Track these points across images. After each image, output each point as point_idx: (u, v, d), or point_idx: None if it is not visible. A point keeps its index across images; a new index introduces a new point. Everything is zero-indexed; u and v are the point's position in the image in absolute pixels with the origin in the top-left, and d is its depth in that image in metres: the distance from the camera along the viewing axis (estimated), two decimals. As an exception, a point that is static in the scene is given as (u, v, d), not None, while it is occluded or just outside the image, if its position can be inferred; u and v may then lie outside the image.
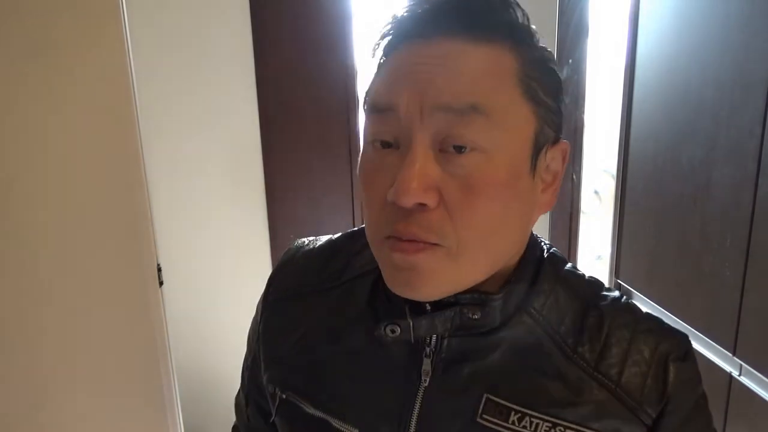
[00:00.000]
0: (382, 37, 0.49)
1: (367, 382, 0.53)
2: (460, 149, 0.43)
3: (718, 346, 1.20)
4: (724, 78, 1.14)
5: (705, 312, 1.24)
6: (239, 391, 0.72)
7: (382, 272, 0.49)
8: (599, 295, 0.54)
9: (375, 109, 0.47)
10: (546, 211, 0.51)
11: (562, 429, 0.48)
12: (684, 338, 0.52)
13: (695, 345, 1.28)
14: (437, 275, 0.45)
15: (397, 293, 0.47)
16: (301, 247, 0.65)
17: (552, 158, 0.50)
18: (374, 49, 0.50)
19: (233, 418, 0.79)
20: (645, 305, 1.50)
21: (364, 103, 0.50)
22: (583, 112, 2.30)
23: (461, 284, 0.47)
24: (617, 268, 1.62)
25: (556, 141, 0.50)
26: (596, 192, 2.33)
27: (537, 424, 0.48)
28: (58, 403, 1.29)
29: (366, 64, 0.52)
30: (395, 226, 0.45)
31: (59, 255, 1.23)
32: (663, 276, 1.40)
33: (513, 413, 0.48)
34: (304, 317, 0.59)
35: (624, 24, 1.53)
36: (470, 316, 0.49)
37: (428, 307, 0.49)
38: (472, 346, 0.50)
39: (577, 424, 0.48)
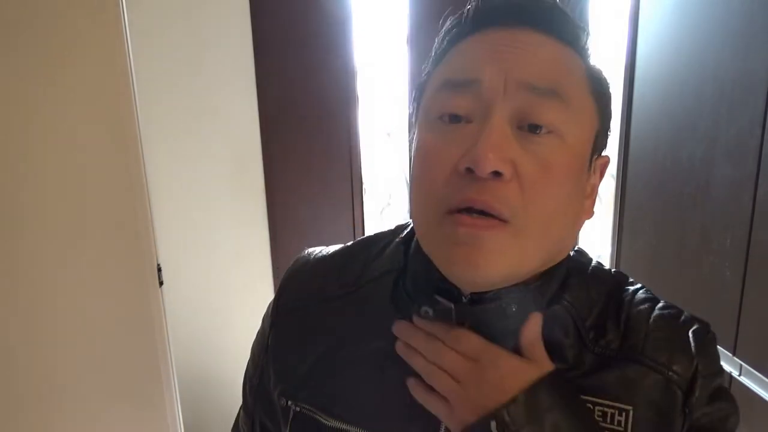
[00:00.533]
0: (456, 25, 0.49)
1: (390, 385, 0.51)
2: (536, 129, 0.44)
3: (718, 346, 1.20)
4: (724, 77, 1.14)
5: (705, 312, 1.24)
6: (239, 415, 0.68)
7: (433, 255, 0.47)
8: (623, 288, 0.54)
9: (452, 84, 0.46)
10: (588, 219, 0.52)
11: (591, 406, 0.47)
12: (707, 323, 0.53)
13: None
14: (502, 255, 0.44)
15: (452, 273, 0.45)
16: (312, 254, 0.62)
17: (595, 169, 0.50)
18: (442, 40, 0.50)
19: (233, 418, 0.79)
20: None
21: (420, 89, 0.51)
22: (583, 112, 2.30)
23: (521, 270, 0.46)
24: (617, 268, 1.62)
25: (601, 154, 0.51)
26: (596, 192, 2.33)
27: None
28: (58, 403, 1.29)
29: (433, 46, 0.52)
30: (467, 195, 0.43)
31: (59, 255, 1.23)
32: (663, 276, 1.40)
33: None
34: (319, 325, 0.57)
35: (624, 24, 1.53)
36: (508, 309, 0.48)
37: (464, 299, 0.48)
38: (507, 333, 0.48)
39: (608, 399, 0.47)
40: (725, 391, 0.51)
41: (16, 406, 1.26)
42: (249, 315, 0.73)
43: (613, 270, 0.56)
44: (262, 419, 0.61)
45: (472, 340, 0.47)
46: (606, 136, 0.50)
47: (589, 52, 0.49)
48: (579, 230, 0.51)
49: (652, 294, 0.54)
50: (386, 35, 2.30)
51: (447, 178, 0.44)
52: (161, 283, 1.33)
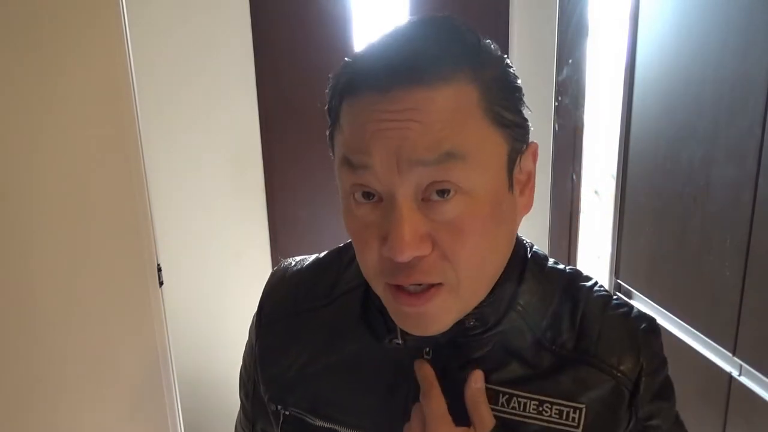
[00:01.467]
0: (340, 90, 0.49)
1: (369, 389, 0.56)
2: (443, 194, 0.45)
3: (718, 346, 1.20)
4: (724, 78, 1.14)
5: (705, 312, 1.24)
6: (239, 417, 0.72)
7: (390, 313, 0.51)
8: (577, 285, 0.57)
9: (351, 164, 0.47)
10: (526, 213, 0.54)
11: (549, 405, 0.51)
12: (653, 319, 0.56)
13: (695, 345, 1.29)
14: (445, 314, 0.48)
15: (405, 331, 0.51)
16: (288, 267, 0.66)
17: (525, 162, 0.52)
18: (331, 98, 0.51)
19: (233, 418, 0.79)
20: (645, 305, 1.50)
21: (332, 151, 0.51)
22: (583, 112, 2.30)
23: (466, 311, 0.51)
24: (617, 268, 1.62)
25: (526, 147, 0.52)
26: (596, 192, 2.33)
27: (524, 404, 0.52)
28: (58, 403, 1.29)
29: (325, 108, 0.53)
30: (398, 279, 0.47)
31: (59, 255, 1.23)
32: (663, 276, 1.40)
33: (501, 395, 0.52)
34: (299, 336, 0.61)
35: (624, 24, 1.53)
36: (467, 324, 0.52)
37: None
38: (467, 346, 0.53)
39: (563, 399, 0.51)
40: (668, 383, 0.57)
41: (16, 405, 1.26)
42: (249, 315, 0.74)
43: (568, 267, 0.59)
44: (263, 425, 0.65)
45: (433, 408, 0.49)
46: (522, 137, 0.51)
47: (484, 60, 0.48)
48: (517, 230, 0.55)
49: (605, 291, 0.57)
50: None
51: (377, 257, 0.48)
52: (161, 283, 1.33)
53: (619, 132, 1.57)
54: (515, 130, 0.49)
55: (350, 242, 0.62)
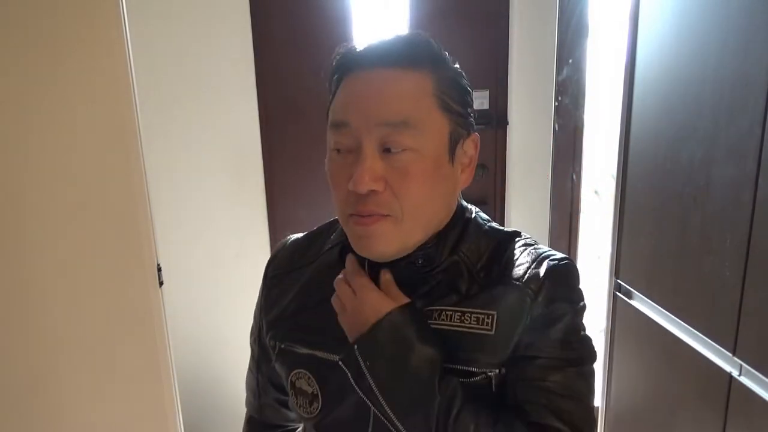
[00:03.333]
0: (336, 68, 0.68)
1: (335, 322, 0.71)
2: (396, 150, 0.63)
3: (718, 346, 1.20)
4: (724, 78, 1.14)
5: (705, 312, 1.24)
6: (249, 365, 0.87)
7: (350, 241, 0.68)
8: (511, 238, 0.73)
9: (334, 124, 0.66)
10: (465, 187, 0.71)
11: (469, 315, 0.66)
12: (568, 258, 0.70)
13: (695, 345, 1.29)
14: (387, 238, 0.65)
15: (361, 254, 0.67)
16: (290, 238, 0.85)
17: (467, 147, 0.70)
18: (331, 77, 0.69)
19: (233, 418, 0.81)
20: (645, 305, 1.50)
21: (327, 118, 0.68)
22: (583, 112, 2.30)
23: (406, 245, 0.67)
24: (617, 268, 1.62)
25: (468, 135, 0.69)
26: (596, 192, 2.33)
27: (450, 315, 0.67)
28: (58, 403, 1.29)
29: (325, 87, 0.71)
30: (356, 207, 0.64)
31: (59, 255, 1.23)
32: (663, 276, 1.40)
33: (435, 312, 0.68)
34: (294, 287, 0.78)
35: (624, 24, 1.53)
36: (416, 263, 0.69)
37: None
38: (416, 281, 0.69)
39: (479, 308, 0.66)
40: (567, 300, 0.67)
41: (15, 405, 1.26)
42: (249, 315, 0.77)
43: (508, 229, 0.75)
44: (266, 367, 0.82)
45: (357, 279, 0.67)
46: (464, 125, 0.68)
47: (441, 65, 0.67)
48: (456, 197, 0.72)
49: (533, 242, 0.73)
50: (386, 35, 2.30)
51: (344, 195, 0.65)
52: (161, 283, 1.33)
53: (619, 132, 1.57)
54: (457, 117, 0.67)
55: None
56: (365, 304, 0.65)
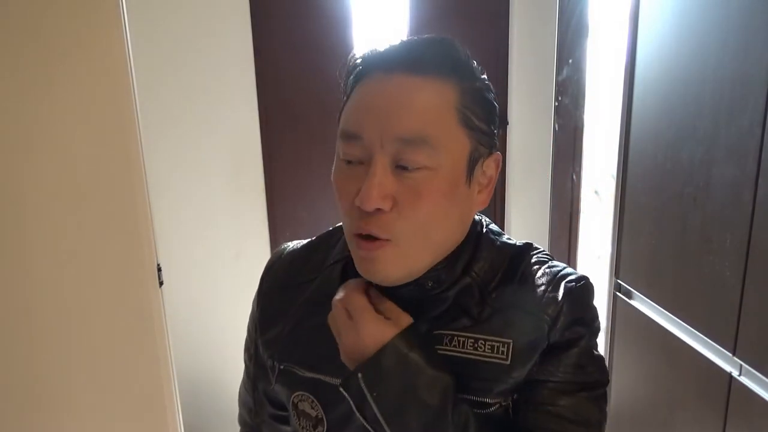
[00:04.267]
0: (352, 68, 0.63)
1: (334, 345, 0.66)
2: (410, 167, 0.57)
3: (718, 346, 1.20)
4: (723, 78, 1.14)
5: (705, 312, 1.24)
6: (243, 379, 0.82)
7: (354, 261, 0.63)
8: (523, 255, 0.68)
9: (345, 135, 0.60)
10: (482, 208, 0.66)
11: (483, 342, 0.62)
12: (583, 277, 0.66)
13: (695, 345, 1.29)
14: (390, 266, 0.59)
15: (365, 277, 0.62)
16: (286, 248, 0.79)
17: (487, 167, 0.64)
18: (346, 78, 0.64)
19: (233, 418, 0.79)
20: (645, 305, 1.50)
21: (338, 121, 0.62)
22: (583, 112, 2.30)
23: (412, 271, 0.61)
24: (617, 268, 1.62)
25: (490, 154, 0.63)
26: (596, 192, 2.33)
27: (463, 342, 0.62)
28: (58, 403, 1.29)
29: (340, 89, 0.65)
30: (360, 225, 0.59)
31: (59, 255, 1.23)
32: (663, 276, 1.40)
33: (446, 337, 0.63)
34: (292, 304, 0.72)
35: (624, 24, 1.53)
36: (426, 285, 0.64)
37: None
38: (427, 304, 0.65)
39: (493, 335, 0.62)
40: (583, 322, 0.64)
41: (15, 405, 1.26)
42: (248, 315, 0.76)
43: (519, 243, 0.70)
44: (263, 385, 0.76)
45: (354, 300, 0.61)
46: (486, 143, 0.62)
47: (467, 75, 0.60)
48: (470, 220, 0.66)
49: (546, 258, 0.69)
50: (386, 36, 2.30)
51: (349, 208, 0.60)
52: (161, 283, 1.33)
53: (619, 132, 1.57)
54: (480, 135, 0.61)
55: (337, 227, 0.75)
56: (363, 328, 0.59)
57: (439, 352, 0.62)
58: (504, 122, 2.36)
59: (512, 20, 2.27)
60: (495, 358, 0.62)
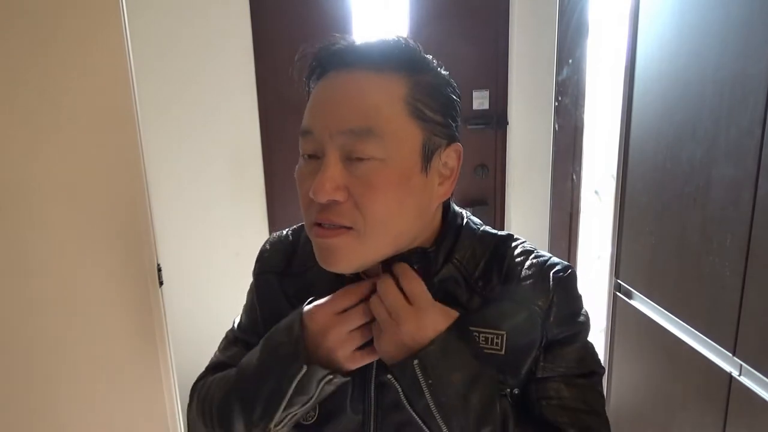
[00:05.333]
0: (313, 71, 0.64)
1: None
2: (360, 159, 0.58)
3: (718, 346, 1.20)
4: (724, 77, 1.14)
5: (705, 312, 1.24)
6: (234, 336, 0.84)
7: (315, 252, 0.63)
8: (506, 244, 0.71)
9: (301, 131, 0.62)
10: (444, 199, 0.67)
11: (477, 334, 0.64)
12: (567, 265, 0.68)
13: (695, 345, 1.29)
14: (347, 253, 0.60)
15: (324, 267, 0.62)
16: (282, 233, 0.81)
17: (447, 157, 0.65)
18: (307, 79, 0.65)
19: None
20: (645, 305, 1.50)
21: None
22: (583, 112, 2.30)
23: (368, 260, 0.62)
24: (617, 268, 1.62)
25: (449, 145, 0.64)
26: (596, 192, 2.33)
27: None
28: (58, 403, 1.29)
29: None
30: (316, 216, 0.60)
31: (59, 255, 1.23)
32: (663, 276, 1.40)
33: None
34: (291, 291, 0.74)
35: (624, 24, 1.53)
36: (414, 267, 0.64)
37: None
38: None
39: (487, 327, 0.64)
40: (579, 315, 0.68)
41: (15, 405, 1.26)
42: (248, 294, 0.77)
43: (500, 232, 0.72)
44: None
45: (416, 286, 0.61)
46: (442, 134, 0.63)
47: (418, 69, 0.62)
48: (433, 209, 0.66)
49: (530, 247, 0.71)
50: (386, 35, 2.30)
51: (308, 201, 0.61)
52: (161, 283, 1.33)
53: (619, 132, 1.57)
54: (434, 126, 0.62)
55: None
56: (426, 315, 0.59)
57: None
58: (504, 122, 2.36)
59: (512, 20, 2.27)
60: (490, 349, 0.64)
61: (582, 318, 0.68)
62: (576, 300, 0.68)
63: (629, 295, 1.58)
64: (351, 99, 0.59)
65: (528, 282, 0.66)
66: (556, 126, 2.36)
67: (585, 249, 2.39)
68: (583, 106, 2.28)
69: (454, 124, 0.65)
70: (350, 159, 0.59)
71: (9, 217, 1.18)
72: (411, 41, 0.63)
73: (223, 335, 0.88)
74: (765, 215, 1.05)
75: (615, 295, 1.64)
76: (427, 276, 0.64)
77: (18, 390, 1.26)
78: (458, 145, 0.65)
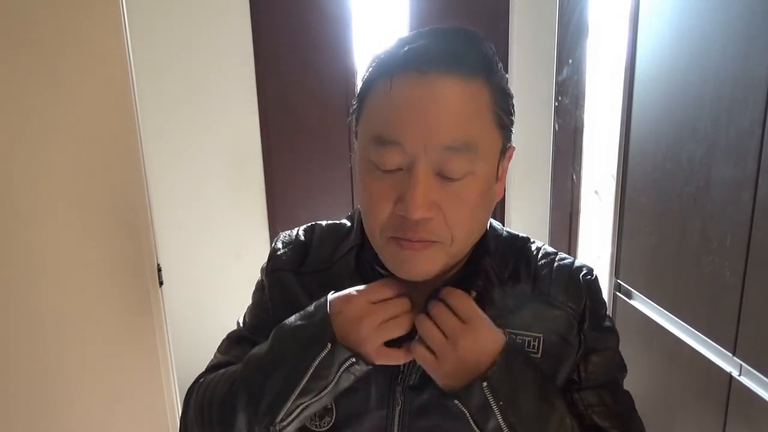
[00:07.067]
0: (379, 65, 0.58)
1: None
2: (456, 173, 0.55)
3: (718, 346, 1.20)
4: (724, 77, 1.14)
5: (705, 312, 1.24)
6: (238, 335, 0.80)
7: (384, 261, 0.61)
8: (528, 246, 0.71)
9: (382, 141, 0.56)
10: (499, 199, 0.65)
11: (514, 336, 0.64)
12: (591, 268, 0.70)
13: (695, 345, 1.29)
14: (431, 264, 0.58)
15: (398, 275, 0.60)
16: (293, 231, 0.78)
17: (504, 160, 0.63)
18: (370, 75, 0.59)
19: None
20: (645, 305, 1.50)
21: (355, 120, 0.61)
22: (583, 112, 2.30)
23: (447, 267, 0.61)
24: (617, 268, 1.62)
25: (509, 147, 0.63)
26: (596, 192, 2.33)
27: None
28: (58, 403, 1.29)
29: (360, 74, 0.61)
30: (406, 232, 0.57)
31: (59, 255, 1.23)
32: (663, 276, 1.40)
33: None
34: (305, 292, 0.70)
35: (624, 24, 1.53)
36: (449, 282, 0.63)
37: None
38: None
39: (525, 330, 0.64)
40: (607, 318, 0.69)
41: (15, 405, 1.26)
42: (255, 295, 0.76)
43: (520, 234, 0.73)
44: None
45: (466, 303, 0.59)
46: (510, 136, 0.61)
47: (495, 70, 0.58)
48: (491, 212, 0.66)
49: (552, 249, 0.72)
50: (386, 35, 2.30)
51: (389, 215, 0.57)
52: (161, 283, 1.33)
53: (619, 132, 1.57)
54: (507, 131, 0.60)
55: (341, 222, 0.75)
56: (482, 331, 0.58)
57: None
58: (504, 122, 2.36)
59: (512, 20, 2.27)
60: (527, 351, 0.64)
61: (609, 322, 0.69)
62: (604, 303, 0.69)
63: (629, 295, 1.58)
64: (448, 110, 0.54)
65: (559, 284, 0.66)
66: (556, 126, 2.36)
67: (585, 249, 2.39)
68: (583, 106, 2.28)
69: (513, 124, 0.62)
70: (441, 174, 0.55)
71: (9, 216, 1.18)
72: (484, 38, 0.58)
73: (223, 336, 0.83)
74: (765, 215, 1.05)
75: (615, 295, 1.64)
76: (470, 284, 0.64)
77: (18, 389, 1.26)
78: (513, 147, 0.63)
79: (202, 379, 0.74)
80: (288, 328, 0.63)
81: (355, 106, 0.61)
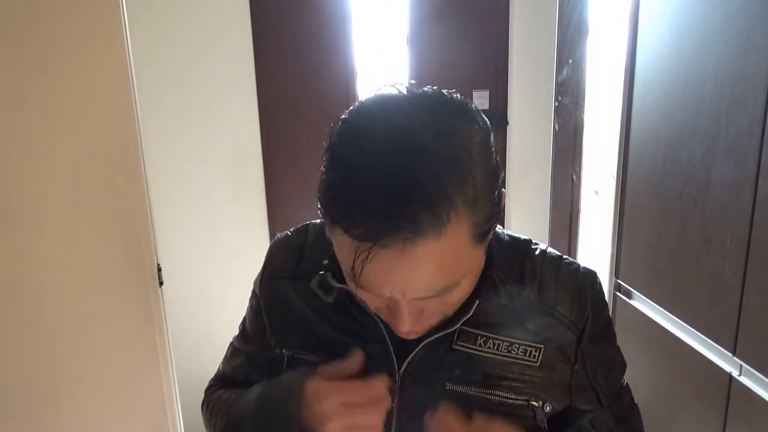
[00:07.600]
0: (329, 203, 0.52)
1: (351, 329, 0.69)
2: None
3: (718, 346, 1.20)
4: (724, 77, 1.14)
5: (705, 312, 1.24)
6: (237, 347, 0.84)
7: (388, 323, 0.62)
8: (531, 250, 0.71)
9: (359, 287, 0.54)
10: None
11: (517, 345, 0.65)
12: (595, 274, 0.71)
13: (695, 345, 1.29)
14: (429, 329, 0.62)
15: (396, 334, 0.61)
16: (288, 235, 0.79)
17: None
18: (324, 204, 0.53)
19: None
20: (645, 305, 1.50)
21: (328, 227, 0.54)
22: (583, 112, 2.30)
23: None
24: (617, 268, 1.62)
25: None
26: (596, 192, 2.33)
27: (498, 344, 0.65)
28: (58, 403, 1.29)
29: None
30: (398, 328, 0.59)
31: (59, 255, 1.23)
32: (663, 276, 1.40)
33: (479, 337, 0.65)
34: (301, 296, 0.72)
35: (624, 24, 1.53)
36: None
37: None
38: (459, 308, 0.64)
39: (528, 341, 0.66)
40: (608, 323, 0.71)
41: (15, 405, 1.26)
42: (249, 304, 0.76)
43: (522, 236, 0.73)
44: (267, 366, 0.76)
45: (452, 420, 0.59)
46: (494, 224, 0.57)
47: (467, 189, 0.49)
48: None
49: (555, 253, 0.72)
50: (386, 35, 2.30)
51: (379, 306, 0.59)
52: (161, 283, 1.33)
53: (619, 132, 1.57)
54: (490, 230, 0.56)
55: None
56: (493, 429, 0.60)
57: (470, 351, 0.65)
58: (504, 122, 2.36)
59: (512, 20, 2.27)
60: (526, 360, 0.66)
61: (609, 327, 0.72)
62: (607, 311, 0.71)
63: (629, 295, 1.58)
64: (420, 276, 0.50)
65: (564, 294, 0.68)
66: (556, 126, 2.36)
67: (585, 249, 2.39)
68: (583, 106, 2.28)
69: (500, 200, 0.56)
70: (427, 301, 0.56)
71: (9, 217, 1.18)
72: (462, 145, 0.50)
73: (223, 336, 0.88)
74: (765, 215, 1.05)
75: (615, 295, 1.64)
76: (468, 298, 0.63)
77: (17, 389, 1.26)
78: (504, 192, 0.57)
79: (212, 392, 0.84)
80: (265, 407, 0.66)
81: (319, 206, 0.54)
